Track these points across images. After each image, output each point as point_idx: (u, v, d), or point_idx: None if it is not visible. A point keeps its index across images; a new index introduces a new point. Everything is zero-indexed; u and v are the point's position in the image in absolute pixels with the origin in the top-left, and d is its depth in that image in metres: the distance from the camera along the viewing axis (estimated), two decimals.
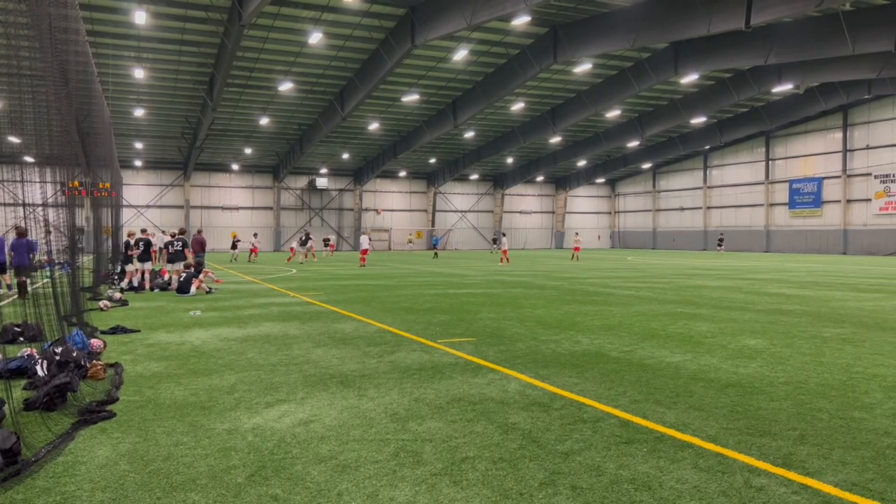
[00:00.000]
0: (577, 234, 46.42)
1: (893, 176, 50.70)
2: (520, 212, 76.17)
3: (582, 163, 68.33)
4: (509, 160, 65.84)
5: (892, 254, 48.86)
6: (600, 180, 76.54)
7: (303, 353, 8.92)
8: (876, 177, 51.84)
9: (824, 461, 4.74)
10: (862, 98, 48.34)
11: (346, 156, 60.17)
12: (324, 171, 64.37)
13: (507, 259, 35.89)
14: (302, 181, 65.00)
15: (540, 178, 74.71)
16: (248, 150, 56.76)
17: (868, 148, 52.36)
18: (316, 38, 31.15)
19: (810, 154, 56.67)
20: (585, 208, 79.38)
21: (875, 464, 4.69)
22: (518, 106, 45.44)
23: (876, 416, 5.87)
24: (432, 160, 64.31)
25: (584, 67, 37.57)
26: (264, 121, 46.75)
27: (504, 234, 36.61)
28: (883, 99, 50.09)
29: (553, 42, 32.89)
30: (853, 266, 33.34)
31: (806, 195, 57.08)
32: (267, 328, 11.33)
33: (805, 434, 5.37)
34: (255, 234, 42.37)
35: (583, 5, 30.21)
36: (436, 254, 46.77)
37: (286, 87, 38.78)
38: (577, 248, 42.64)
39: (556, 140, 56.72)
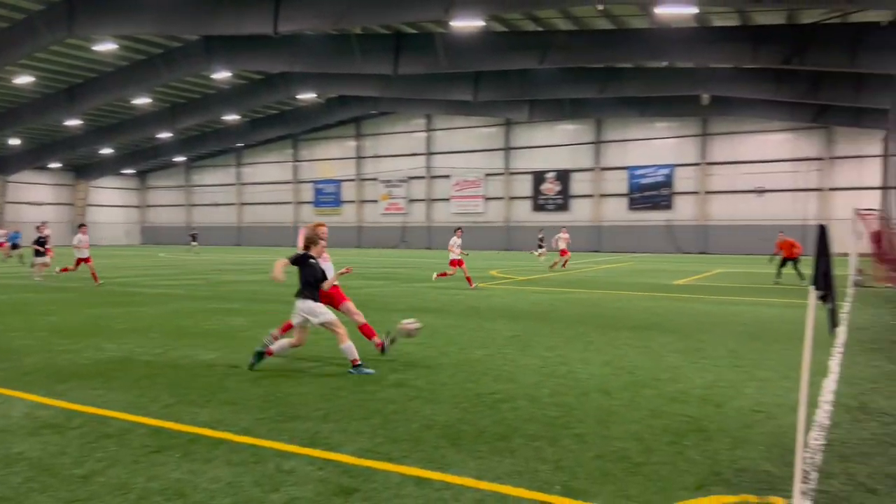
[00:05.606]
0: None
1: (394, 182, 60.20)
2: (29, 203, 65.34)
3: (107, 151, 62.28)
4: (15, 141, 55.85)
5: (392, 247, 57.81)
6: (129, 171, 71.14)
7: None
8: (382, 182, 60.80)
9: (343, 434, 5.28)
10: (370, 113, 56.00)
11: None
12: None
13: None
14: None
15: (56, 166, 65.42)
16: None
17: (376, 156, 61.07)
18: None
19: (331, 158, 63.26)
20: (112, 201, 72.78)
21: (384, 429, 5.43)
22: (27, 79, 38.82)
23: (384, 388, 6.81)
24: None
25: (107, 47, 34.16)
26: None
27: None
28: (388, 115, 58.79)
29: (68, 13, 29.03)
30: (367, 257, 38.23)
31: (328, 195, 63.77)
32: None
33: (328, 413, 5.90)
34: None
35: None
36: None
37: None
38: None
39: (75, 123, 50.32)
